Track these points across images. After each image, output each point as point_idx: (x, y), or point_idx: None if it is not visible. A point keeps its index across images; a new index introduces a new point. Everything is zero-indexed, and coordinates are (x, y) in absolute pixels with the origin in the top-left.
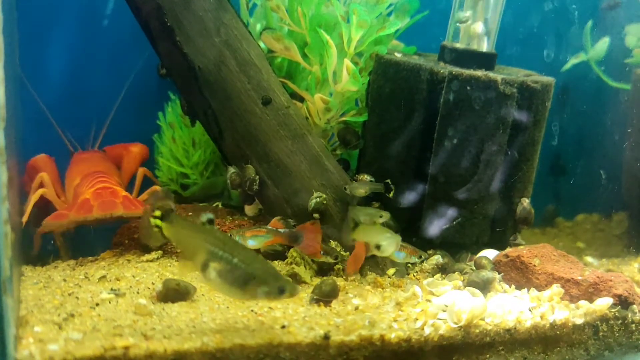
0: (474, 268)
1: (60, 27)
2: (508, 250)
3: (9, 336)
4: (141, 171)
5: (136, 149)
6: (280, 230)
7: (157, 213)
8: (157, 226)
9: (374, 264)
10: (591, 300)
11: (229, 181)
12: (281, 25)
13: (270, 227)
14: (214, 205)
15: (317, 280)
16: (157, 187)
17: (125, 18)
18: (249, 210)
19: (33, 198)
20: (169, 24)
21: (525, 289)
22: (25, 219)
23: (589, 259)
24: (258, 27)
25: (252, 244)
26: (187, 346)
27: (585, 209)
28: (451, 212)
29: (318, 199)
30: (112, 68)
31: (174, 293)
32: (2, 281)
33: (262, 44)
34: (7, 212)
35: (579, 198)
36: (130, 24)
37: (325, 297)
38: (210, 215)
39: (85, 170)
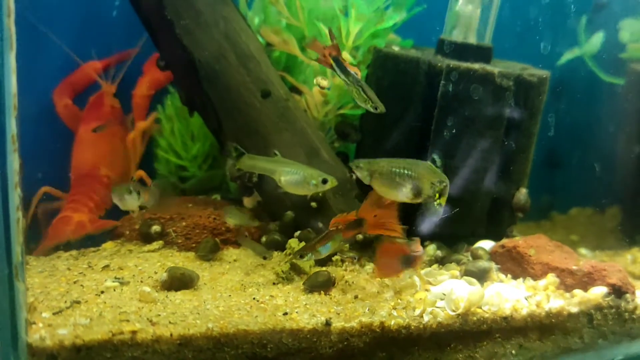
0: (470, 259)
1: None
2: (504, 241)
3: (21, 320)
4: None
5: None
6: None
7: None
8: None
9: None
10: (586, 290)
11: (227, 173)
12: (279, 19)
13: None
14: (213, 197)
15: (317, 269)
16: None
17: (123, 10)
18: (248, 202)
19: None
20: (168, 17)
21: (521, 279)
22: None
23: (583, 250)
24: (256, 20)
25: None
26: (192, 331)
27: (579, 203)
28: (448, 204)
29: None
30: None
31: (178, 282)
32: (14, 266)
33: (260, 38)
34: (20, 199)
35: (573, 192)
36: (128, 16)
37: (317, 288)
38: None
39: (85, 165)
